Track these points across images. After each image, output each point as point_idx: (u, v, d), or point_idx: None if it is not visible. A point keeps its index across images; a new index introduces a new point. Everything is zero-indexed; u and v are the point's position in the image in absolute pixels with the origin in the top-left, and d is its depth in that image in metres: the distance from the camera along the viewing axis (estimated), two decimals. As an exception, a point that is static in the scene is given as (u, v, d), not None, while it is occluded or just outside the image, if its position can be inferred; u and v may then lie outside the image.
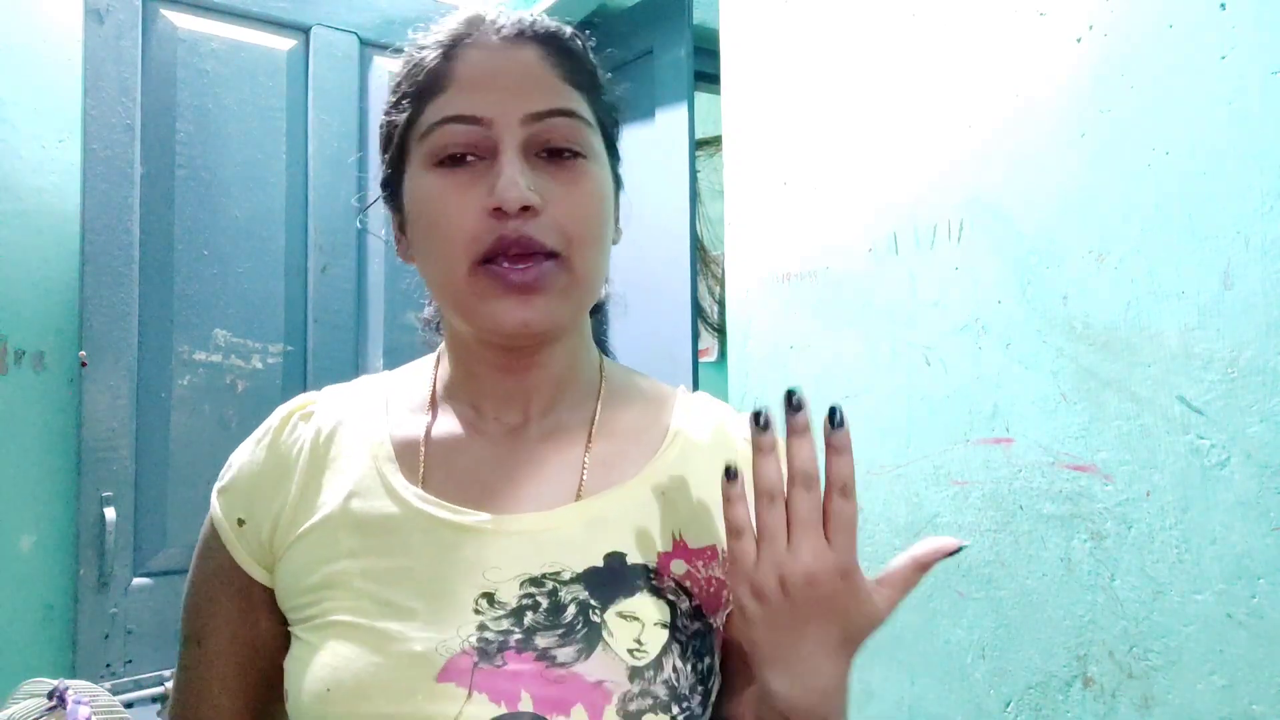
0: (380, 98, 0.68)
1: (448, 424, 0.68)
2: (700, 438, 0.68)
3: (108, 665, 1.75)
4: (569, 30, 0.66)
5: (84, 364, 1.73)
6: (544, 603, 0.58)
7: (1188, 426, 0.91)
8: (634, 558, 0.61)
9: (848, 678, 0.55)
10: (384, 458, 0.65)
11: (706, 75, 2.01)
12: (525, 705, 0.55)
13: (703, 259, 2.88)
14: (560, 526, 0.61)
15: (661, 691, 0.57)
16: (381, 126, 0.68)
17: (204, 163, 1.88)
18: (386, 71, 2.04)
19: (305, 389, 1.87)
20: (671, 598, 0.61)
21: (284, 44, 1.99)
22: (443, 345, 0.72)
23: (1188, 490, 0.91)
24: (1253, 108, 0.86)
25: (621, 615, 0.59)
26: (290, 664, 0.61)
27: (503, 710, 0.55)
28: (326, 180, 2.00)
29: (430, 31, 0.65)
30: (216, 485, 0.69)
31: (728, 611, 0.64)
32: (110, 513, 1.73)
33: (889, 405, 1.24)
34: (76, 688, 0.85)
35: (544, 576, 0.59)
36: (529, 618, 0.58)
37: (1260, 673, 0.85)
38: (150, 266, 1.82)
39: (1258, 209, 0.86)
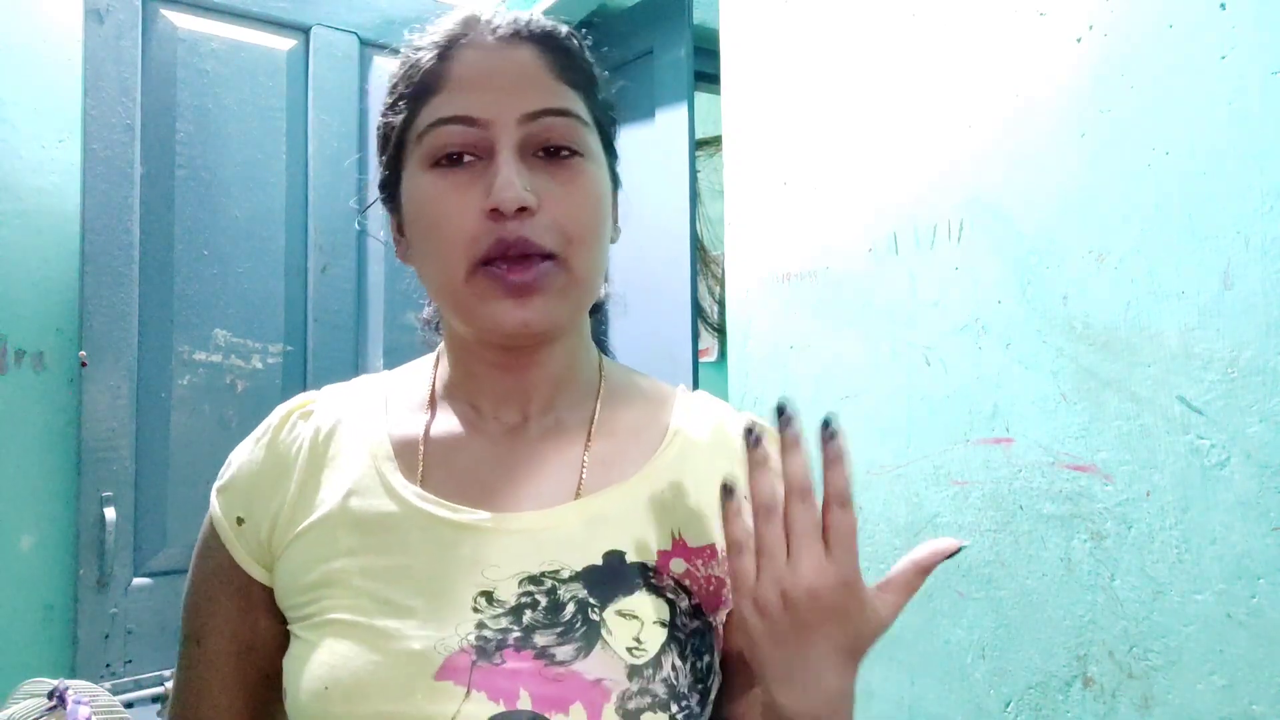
0: (380, 98, 0.68)
1: (447, 423, 0.68)
2: (700, 437, 0.68)
3: (108, 665, 1.75)
4: (564, 29, 0.66)
5: (84, 364, 1.73)
6: (543, 601, 0.58)
7: (1188, 426, 0.91)
8: (633, 556, 0.61)
9: (853, 686, 0.55)
10: (383, 456, 0.65)
11: (706, 75, 2.01)
12: (524, 703, 0.55)
13: (703, 259, 2.88)
14: (559, 525, 0.61)
15: (660, 690, 0.57)
16: (379, 128, 0.68)
17: (204, 163, 1.88)
18: (386, 71, 2.03)
19: (305, 389, 1.86)
20: (671, 596, 0.61)
21: (284, 44, 1.99)
22: (442, 345, 0.72)
23: (1188, 490, 0.91)
24: (1253, 108, 0.86)
25: (620, 614, 0.59)
26: (289, 662, 0.61)
27: (501, 708, 0.55)
28: (326, 180, 2.00)
29: (426, 32, 0.65)
30: (216, 484, 0.69)
31: (727, 611, 0.64)
32: (110, 513, 1.73)
33: (889, 405, 1.24)
34: (76, 688, 0.85)
35: (543, 575, 0.59)
36: (528, 616, 0.58)
37: (1260, 673, 0.85)
38: (150, 266, 1.82)
39: (1258, 209, 0.86)
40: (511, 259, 0.59)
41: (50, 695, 0.83)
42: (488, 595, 0.59)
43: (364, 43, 2.06)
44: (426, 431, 0.67)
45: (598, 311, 0.76)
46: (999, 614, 1.08)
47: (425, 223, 0.62)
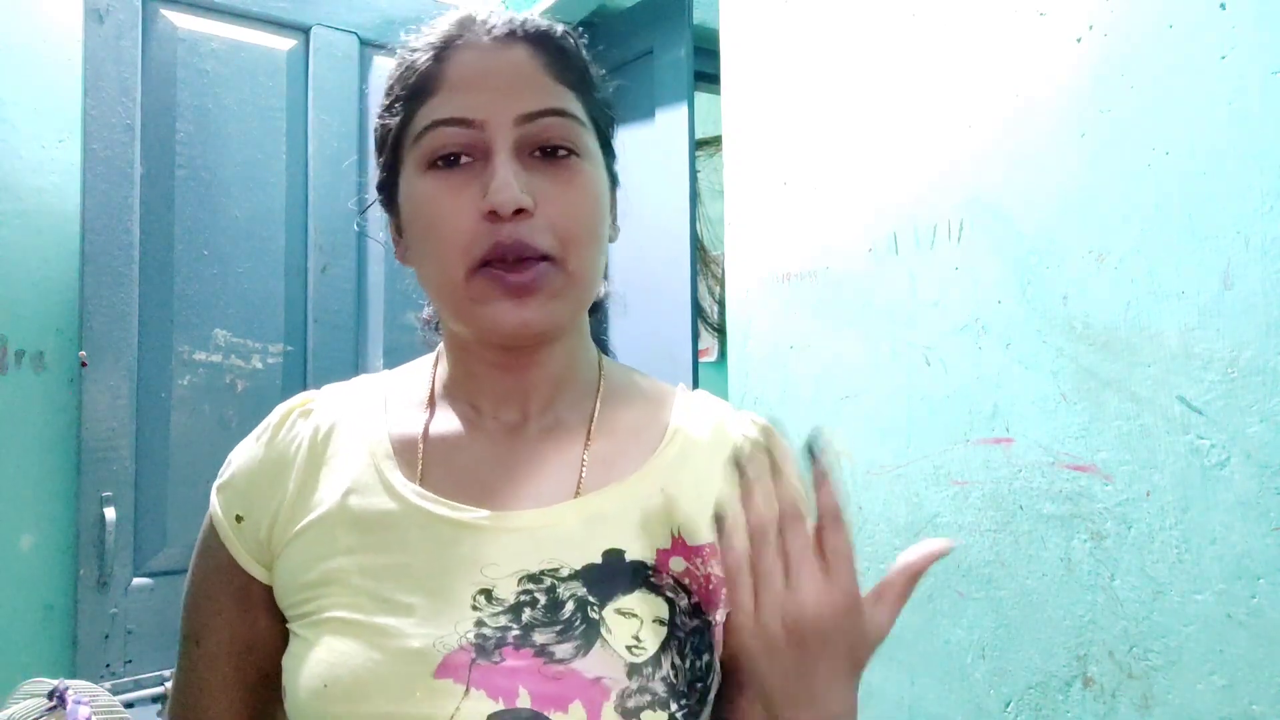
0: (379, 98, 0.68)
1: (446, 422, 0.68)
2: (700, 435, 0.68)
3: (108, 665, 1.75)
4: (560, 29, 0.66)
5: (84, 364, 1.73)
6: (542, 599, 0.58)
7: (1188, 426, 0.91)
8: (632, 555, 0.61)
9: (856, 697, 0.55)
10: (382, 455, 0.65)
11: (706, 75, 2.01)
12: (523, 701, 0.55)
13: (703, 259, 2.88)
14: (559, 523, 0.61)
15: (660, 688, 0.57)
16: (375, 129, 0.68)
17: (204, 163, 1.88)
18: (386, 71, 2.04)
19: (305, 389, 1.86)
20: (670, 595, 0.61)
21: (284, 44, 1.99)
22: (441, 344, 0.72)
23: (1188, 490, 0.91)
24: (1253, 108, 0.86)
25: (620, 612, 0.59)
26: (288, 661, 0.61)
27: (500, 706, 0.55)
28: (326, 180, 2.00)
29: (421, 33, 0.65)
30: (216, 482, 0.69)
31: (727, 610, 0.64)
32: (110, 513, 1.73)
33: (889, 405, 1.24)
34: (76, 688, 0.85)
35: (542, 573, 0.59)
36: (527, 614, 0.58)
37: (1260, 673, 0.85)
38: (150, 266, 1.82)
39: (1258, 209, 0.86)
40: (509, 262, 0.59)
41: (50, 695, 0.83)
42: (487, 593, 0.59)
43: (364, 43, 2.06)
44: (426, 430, 0.67)
45: (597, 311, 0.76)
46: (999, 614, 1.08)
47: (423, 224, 0.62)
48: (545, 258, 0.60)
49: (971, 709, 1.11)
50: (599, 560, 0.60)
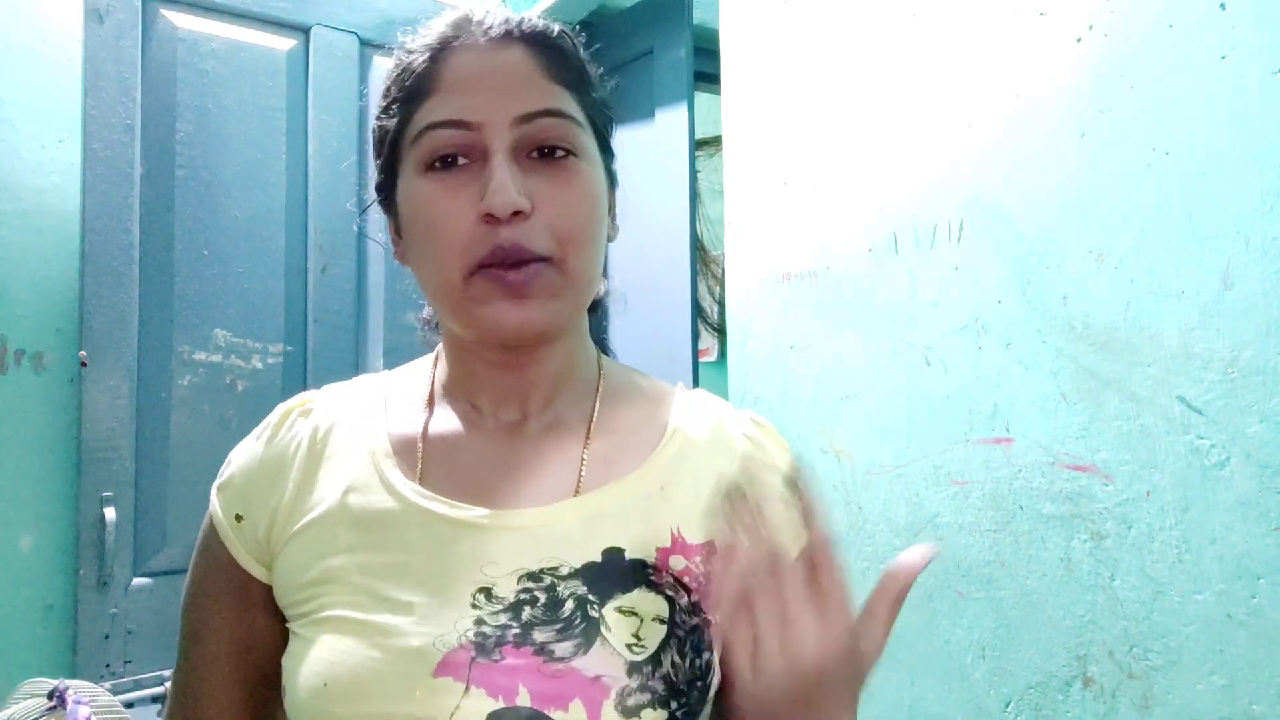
0: (379, 99, 0.68)
1: (446, 421, 0.68)
2: (699, 434, 0.68)
3: (108, 665, 1.75)
4: (557, 28, 0.66)
5: (84, 364, 1.73)
6: (542, 598, 0.58)
7: (1188, 426, 0.91)
8: (632, 553, 0.61)
9: (856, 711, 0.54)
10: (382, 454, 0.65)
11: (706, 75, 2.01)
12: (523, 700, 0.55)
13: (703, 259, 2.88)
14: (558, 522, 0.61)
15: (660, 686, 0.57)
16: (373, 131, 0.68)
17: (204, 163, 1.88)
18: (386, 72, 2.04)
19: (305, 389, 1.86)
20: (670, 593, 0.61)
21: (284, 44, 1.99)
22: (441, 344, 0.72)
23: (1188, 490, 0.91)
24: (1253, 108, 0.86)
25: (620, 610, 0.59)
26: (288, 660, 0.61)
27: (500, 705, 0.55)
28: (326, 180, 2.00)
29: (418, 34, 0.65)
30: (215, 482, 0.69)
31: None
32: (110, 513, 1.73)
33: (889, 405, 1.24)
34: (76, 688, 0.85)
35: (542, 571, 0.59)
36: (527, 612, 0.58)
37: (1260, 673, 0.85)
38: (150, 266, 1.82)
39: (1258, 209, 0.86)
40: (508, 264, 0.59)
41: (50, 695, 0.84)
42: (487, 592, 0.59)
43: (364, 43, 2.06)
44: (425, 429, 0.67)
45: (596, 309, 0.76)
46: (999, 614, 1.08)
47: (421, 226, 0.62)
48: (543, 259, 0.60)
49: (971, 709, 1.11)
50: (599, 559, 0.60)
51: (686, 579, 0.62)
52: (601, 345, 0.77)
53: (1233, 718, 0.86)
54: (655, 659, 0.58)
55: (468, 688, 0.56)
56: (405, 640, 0.57)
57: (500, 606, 0.58)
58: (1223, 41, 0.89)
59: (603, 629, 0.58)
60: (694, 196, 1.98)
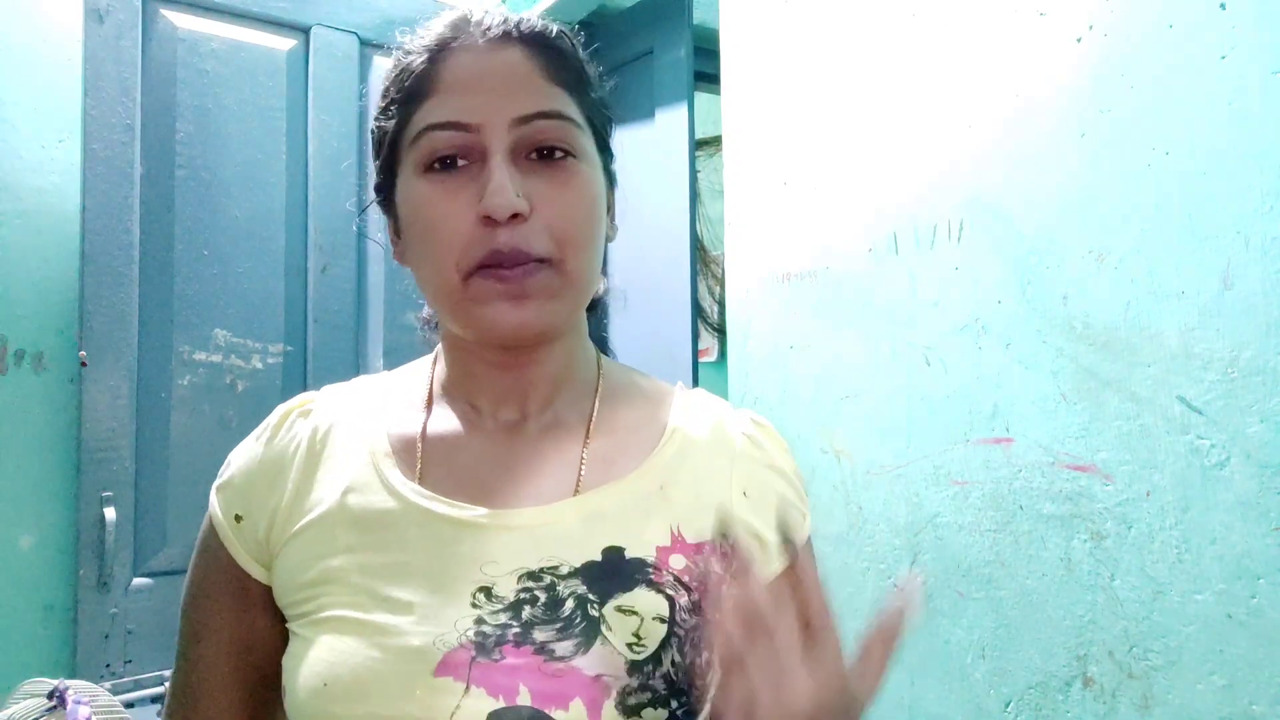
0: (378, 99, 0.68)
1: (445, 421, 0.68)
2: (698, 434, 0.68)
3: (108, 665, 1.75)
4: (555, 29, 0.66)
5: (84, 364, 1.73)
6: (542, 597, 0.58)
7: (1188, 426, 0.91)
8: (632, 552, 0.61)
9: None
10: (381, 454, 0.65)
11: (706, 75, 2.01)
12: (524, 699, 0.55)
13: (703, 259, 2.88)
14: (558, 521, 0.61)
15: (660, 686, 0.57)
16: (372, 131, 0.68)
17: (204, 163, 1.88)
18: (386, 72, 2.04)
19: (305, 389, 1.86)
20: (670, 592, 0.61)
21: (284, 44, 1.99)
22: (440, 344, 0.72)
23: (1188, 490, 0.91)
24: (1253, 108, 0.86)
25: (620, 610, 0.59)
26: (288, 661, 0.61)
27: (501, 704, 0.55)
28: (326, 180, 2.00)
29: (417, 35, 0.65)
30: (215, 482, 0.69)
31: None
32: (110, 513, 1.73)
33: (889, 405, 1.24)
34: (76, 688, 0.85)
35: (542, 571, 0.59)
36: (527, 612, 0.58)
37: (1260, 673, 0.85)
38: (150, 266, 1.82)
39: (1258, 209, 0.86)
40: (506, 266, 0.60)
41: (50, 695, 0.84)
42: (486, 591, 0.59)
43: (364, 43, 2.06)
44: (424, 429, 0.67)
45: (595, 309, 0.76)
46: (999, 614, 1.08)
47: (420, 228, 0.62)
48: (542, 260, 0.60)
49: (971, 709, 1.11)
50: (599, 558, 0.60)
51: (686, 578, 0.62)
52: (601, 345, 0.77)
53: (1233, 718, 0.86)
54: (656, 658, 0.58)
55: (468, 687, 0.56)
56: (405, 640, 0.57)
57: (500, 606, 0.58)
58: (1223, 41, 0.89)
59: (603, 628, 0.58)
60: (694, 196, 1.98)
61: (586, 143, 0.65)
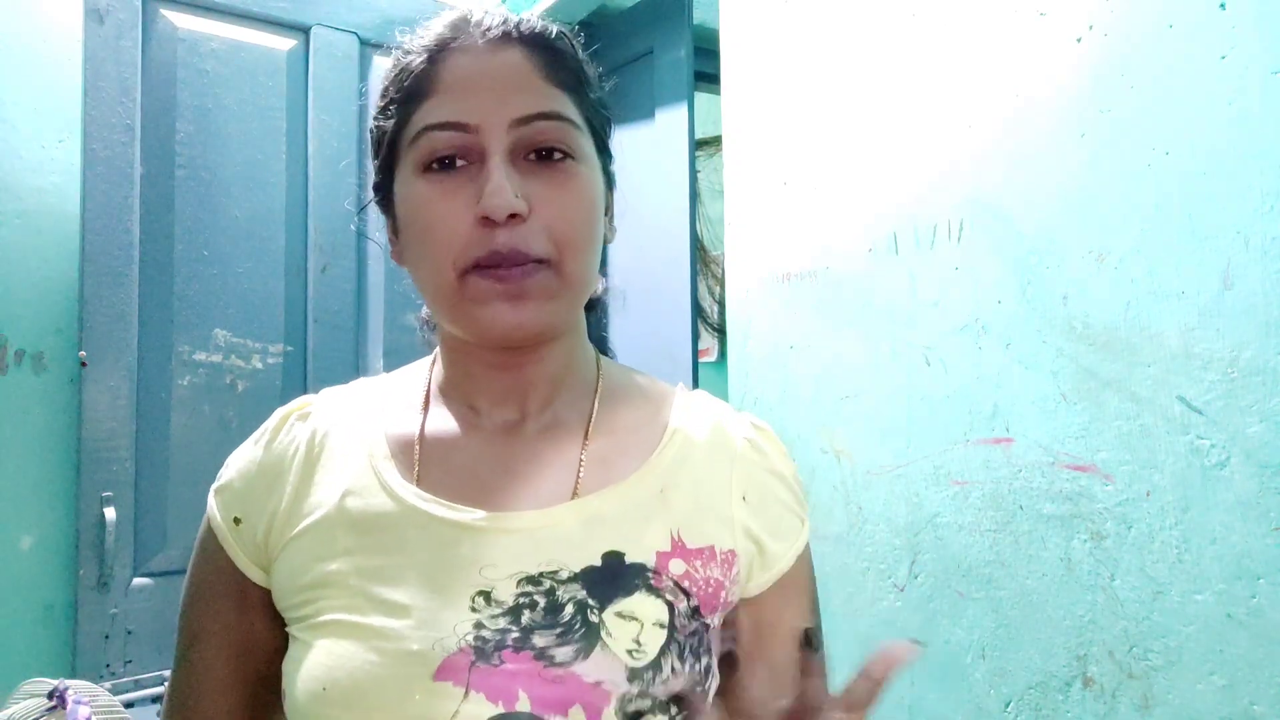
0: (377, 99, 0.68)
1: (444, 422, 0.67)
2: (699, 436, 0.68)
3: (108, 665, 1.75)
4: (555, 29, 0.66)
5: (84, 364, 1.73)
6: (541, 602, 0.58)
7: (1188, 426, 0.91)
8: (632, 557, 0.61)
9: None
10: (380, 456, 0.65)
11: (706, 75, 2.01)
12: (523, 705, 0.55)
13: (703, 259, 2.88)
14: (557, 524, 0.61)
15: (660, 692, 0.57)
16: (371, 131, 0.68)
17: (204, 163, 1.88)
18: (385, 72, 2.04)
19: (305, 389, 1.88)
20: (670, 598, 0.60)
21: (284, 44, 1.99)
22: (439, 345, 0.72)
23: (1188, 490, 0.91)
24: (1253, 108, 0.86)
25: (620, 615, 0.59)
26: (287, 665, 0.61)
27: (500, 710, 0.55)
28: (326, 180, 2.00)
29: (416, 35, 0.65)
30: (214, 485, 0.69)
31: (726, 612, 0.64)
32: (110, 513, 1.73)
33: (889, 405, 1.24)
34: (76, 688, 0.86)
35: (541, 575, 0.59)
36: (526, 617, 0.58)
37: (1260, 673, 0.85)
38: (150, 266, 1.82)
39: (1258, 209, 0.86)
40: (504, 266, 0.59)
41: (50, 695, 0.84)
42: (485, 595, 0.58)
43: (364, 43, 2.06)
44: (422, 430, 0.67)
45: (594, 309, 0.76)
46: (999, 614, 1.08)
47: (418, 228, 0.62)
48: (541, 261, 0.60)
49: (971, 709, 1.11)
50: (598, 562, 0.60)
51: (686, 583, 0.62)
52: (601, 345, 0.76)
53: (1233, 718, 0.86)
54: (656, 664, 0.58)
55: (467, 692, 0.55)
56: (404, 644, 0.57)
57: (499, 610, 0.58)
58: (1223, 41, 0.89)
59: (603, 634, 0.58)
60: (694, 196, 1.98)
61: (585, 144, 0.64)
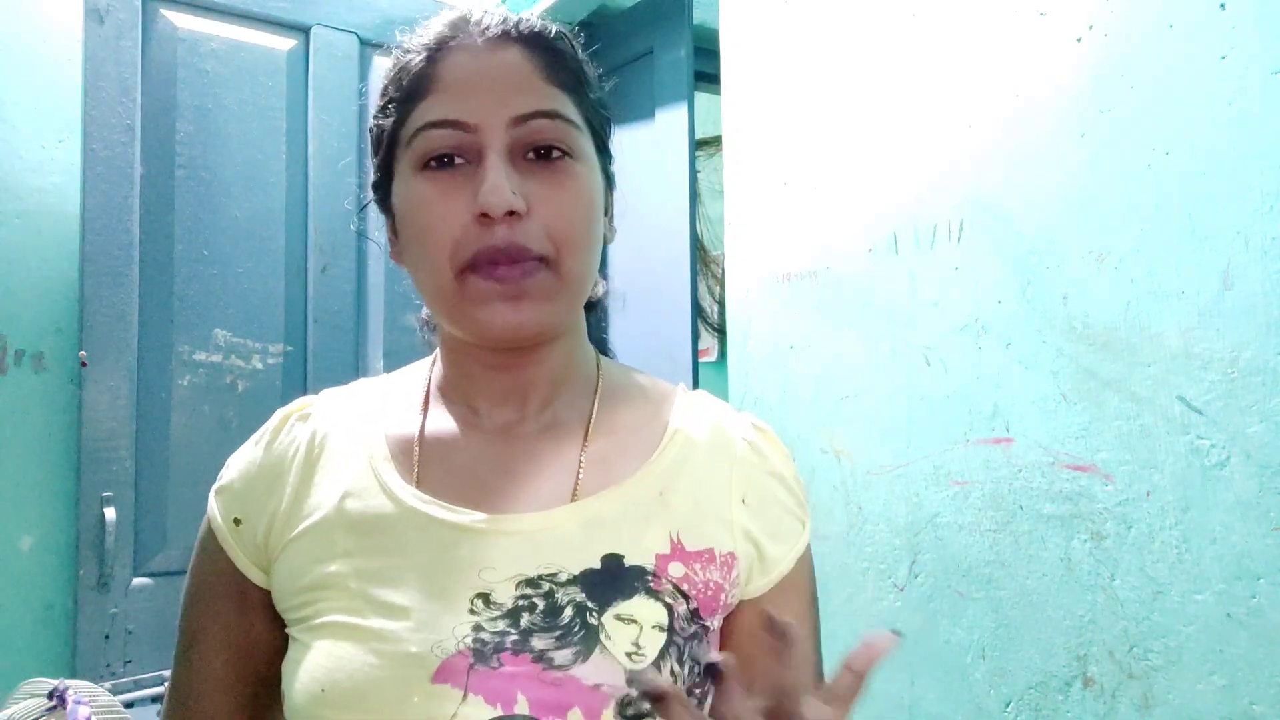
0: (376, 99, 0.68)
1: (443, 423, 0.67)
2: (699, 437, 0.68)
3: (108, 665, 1.75)
4: (554, 29, 0.66)
5: (84, 364, 1.73)
6: (540, 604, 0.58)
7: (1188, 426, 0.91)
8: (631, 559, 0.61)
9: None
10: (380, 458, 0.65)
11: (706, 75, 2.01)
12: (521, 708, 0.55)
13: (703, 259, 2.88)
14: (556, 527, 0.61)
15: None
16: (370, 130, 0.68)
17: (204, 163, 1.88)
18: (385, 71, 2.04)
19: (305, 389, 1.87)
20: (669, 600, 0.60)
21: (284, 44, 1.99)
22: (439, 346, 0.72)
23: (1188, 490, 0.91)
24: (1253, 108, 0.86)
25: (619, 618, 0.58)
26: (287, 666, 0.61)
27: (499, 713, 0.55)
28: (326, 180, 2.00)
29: (416, 34, 0.65)
30: (214, 486, 0.69)
31: (725, 614, 0.63)
32: (110, 513, 1.73)
33: (889, 405, 1.24)
34: (76, 688, 0.86)
35: (540, 578, 0.59)
36: (525, 619, 0.58)
37: (1260, 673, 0.85)
38: (150, 266, 1.82)
39: (1258, 209, 0.86)
40: (502, 264, 0.59)
41: (50, 695, 0.84)
42: (484, 597, 0.58)
43: (364, 43, 2.06)
44: (422, 431, 0.67)
45: (593, 309, 0.76)
46: (999, 614, 1.08)
47: (416, 226, 0.62)
48: (539, 259, 0.60)
49: (971, 709, 1.11)
50: (597, 565, 0.60)
51: (686, 586, 0.61)
52: (601, 345, 0.76)
53: (1233, 718, 0.86)
54: (655, 667, 0.58)
55: (466, 694, 0.55)
56: (403, 646, 0.57)
57: (498, 613, 0.58)
58: (1223, 41, 0.89)
59: (602, 637, 0.58)
60: (694, 196, 1.98)
61: (584, 143, 0.64)
